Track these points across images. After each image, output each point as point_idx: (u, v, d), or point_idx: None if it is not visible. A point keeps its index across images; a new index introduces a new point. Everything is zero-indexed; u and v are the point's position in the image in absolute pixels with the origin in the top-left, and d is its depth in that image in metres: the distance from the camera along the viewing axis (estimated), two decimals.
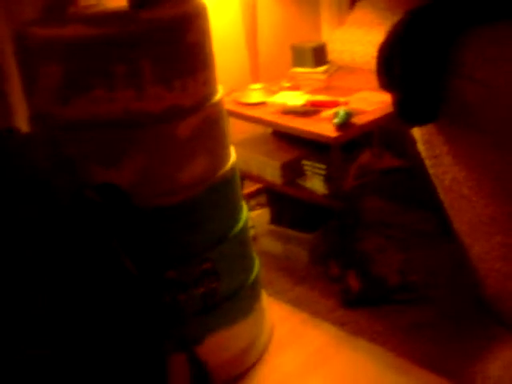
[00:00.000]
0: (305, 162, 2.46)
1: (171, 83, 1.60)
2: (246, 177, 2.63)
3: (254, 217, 2.89)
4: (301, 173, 2.47)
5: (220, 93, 1.83)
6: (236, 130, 2.63)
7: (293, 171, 2.47)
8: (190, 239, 1.72)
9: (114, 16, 1.62)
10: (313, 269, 2.61)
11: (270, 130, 2.73)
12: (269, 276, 2.57)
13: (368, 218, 2.74)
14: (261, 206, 3.02)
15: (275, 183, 2.48)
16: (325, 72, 2.83)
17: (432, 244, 2.75)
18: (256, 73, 2.64)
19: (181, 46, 1.61)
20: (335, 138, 2.30)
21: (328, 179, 2.41)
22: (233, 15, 2.71)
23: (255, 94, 2.57)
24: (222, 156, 1.81)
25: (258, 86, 2.59)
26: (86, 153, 1.63)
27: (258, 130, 2.73)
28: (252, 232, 2.93)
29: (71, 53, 1.54)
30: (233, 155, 1.88)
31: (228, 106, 2.55)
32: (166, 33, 1.58)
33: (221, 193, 1.79)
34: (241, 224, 1.87)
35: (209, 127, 1.72)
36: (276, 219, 2.79)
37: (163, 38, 1.58)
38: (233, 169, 1.84)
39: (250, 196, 2.97)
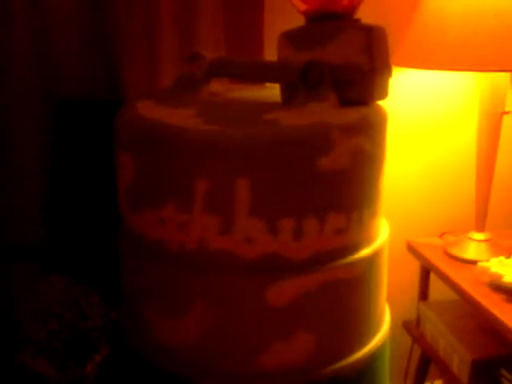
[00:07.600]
0: (504, 371, 1.61)
1: (276, 222, 1.07)
2: (430, 357, 1.91)
3: None
4: (495, 380, 1.64)
5: (379, 241, 1.22)
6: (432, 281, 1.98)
7: (486, 374, 1.66)
8: None
9: (232, 114, 1.14)
10: None
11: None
12: None
13: None
14: None
15: (460, 381, 1.71)
16: None
17: None
18: (482, 217, 1.93)
19: (306, 172, 1.07)
20: None
21: None
22: (466, 135, 2.07)
23: (473, 247, 1.87)
24: (349, 337, 1.21)
25: (481, 236, 1.89)
26: (146, 287, 1.16)
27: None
28: None
29: (146, 146, 1.10)
30: (379, 336, 1.25)
31: (430, 254, 1.93)
32: (279, 150, 1.06)
33: None
34: None
35: (330, 294, 1.14)
36: None
37: (276, 156, 1.05)
38: (370, 361, 1.22)
39: None
